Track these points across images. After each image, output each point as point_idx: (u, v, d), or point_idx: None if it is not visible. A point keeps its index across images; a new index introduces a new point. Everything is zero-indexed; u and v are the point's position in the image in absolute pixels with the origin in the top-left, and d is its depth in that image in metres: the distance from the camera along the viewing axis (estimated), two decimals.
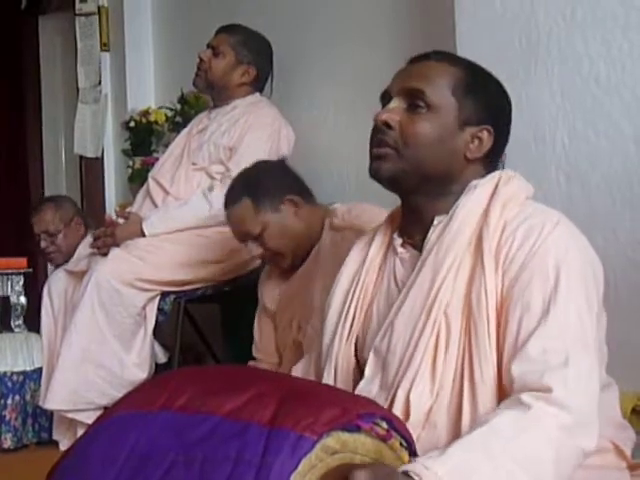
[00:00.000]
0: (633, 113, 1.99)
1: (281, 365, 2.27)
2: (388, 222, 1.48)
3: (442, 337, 1.26)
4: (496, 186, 1.33)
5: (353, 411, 1.05)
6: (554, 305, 1.20)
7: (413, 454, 1.11)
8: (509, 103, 1.42)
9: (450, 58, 1.39)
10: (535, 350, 1.18)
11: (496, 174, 1.36)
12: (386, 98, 1.38)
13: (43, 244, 3.19)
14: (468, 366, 1.24)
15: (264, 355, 2.36)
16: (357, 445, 1.04)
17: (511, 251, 1.26)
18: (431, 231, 1.34)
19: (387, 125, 1.33)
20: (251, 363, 2.38)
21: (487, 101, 1.37)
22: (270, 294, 2.34)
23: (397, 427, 1.09)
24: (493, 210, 1.30)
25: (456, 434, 1.20)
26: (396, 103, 1.35)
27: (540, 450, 1.11)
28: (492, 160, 1.39)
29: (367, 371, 1.34)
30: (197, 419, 1.05)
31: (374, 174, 1.36)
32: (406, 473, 1.03)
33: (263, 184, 2.19)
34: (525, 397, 1.14)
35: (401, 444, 1.09)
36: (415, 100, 1.33)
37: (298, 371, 1.58)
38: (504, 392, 1.20)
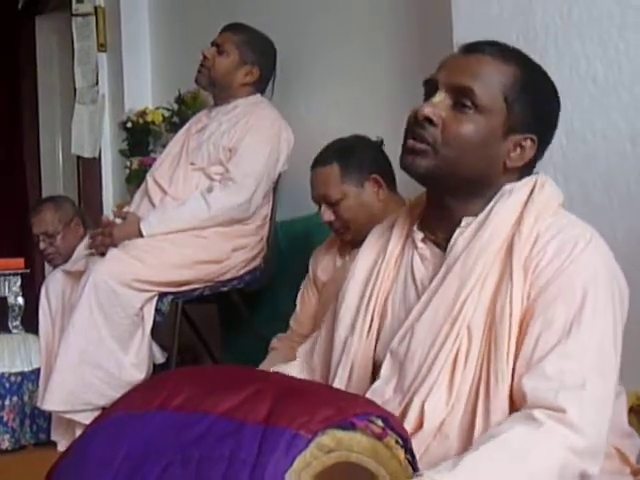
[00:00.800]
0: (630, 113, 1.99)
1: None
2: (407, 212, 1.42)
3: (463, 350, 1.23)
4: (531, 192, 1.29)
5: (348, 409, 1.05)
6: (577, 326, 1.18)
7: (409, 452, 1.11)
8: (559, 107, 1.36)
9: (505, 54, 1.29)
10: (552, 368, 1.16)
11: (531, 179, 1.31)
12: (430, 86, 1.31)
13: (42, 245, 3.19)
14: (485, 381, 1.21)
15: (300, 326, 2.39)
16: (352, 443, 1.04)
17: (540, 264, 1.22)
18: (458, 232, 1.29)
19: (429, 120, 1.26)
20: (279, 335, 2.40)
21: (537, 107, 1.30)
22: (325, 265, 2.37)
23: (393, 425, 1.09)
24: (527, 219, 1.25)
25: (467, 446, 1.18)
26: (441, 97, 1.27)
27: (548, 468, 1.10)
28: (530, 168, 1.34)
29: (383, 372, 1.31)
30: (193, 418, 1.05)
31: (406, 167, 1.29)
32: None
33: (355, 155, 2.24)
34: (537, 413, 1.13)
35: (397, 442, 1.09)
36: (462, 98, 1.26)
37: (302, 352, 1.55)
38: (514, 406, 1.19)
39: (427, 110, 1.26)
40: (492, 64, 1.27)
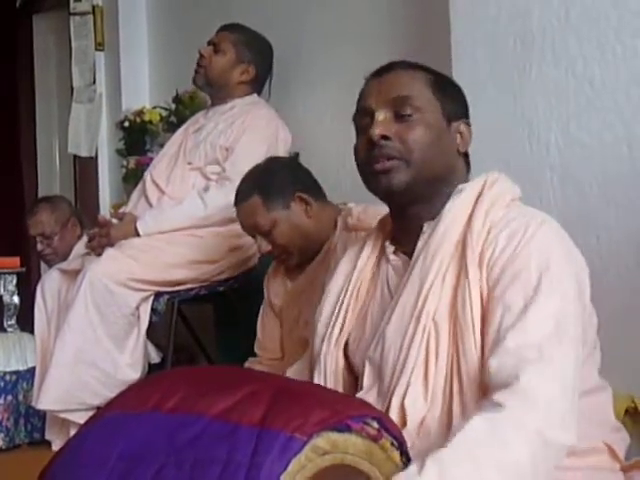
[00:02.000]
0: (627, 115, 1.99)
1: (284, 361, 2.27)
2: (379, 228, 1.49)
3: (432, 344, 1.27)
4: (481, 189, 1.34)
5: (344, 412, 1.05)
6: (534, 304, 1.21)
7: (404, 454, 1.11)
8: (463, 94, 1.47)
9: (411, 65, 1.42)
10: (511, 344, 1.19)
11: (482, 177, 1.37)
12: (364, 115, 1.39)
13: (40, 247, 3.18)
14: (457, 372, 1.24)
15: (266, 352, 2.36)
16: (347, 445, 1.04)
17: (494, 255, 1.26)
18: (421, 238, 1.35)
19: (385, 137, 1.33)
20: (250, 360, 2.38)
21: (458, 96, 1.43)
22: (277, 290, 2.34)
23: (388, 427, 1.09)
24: (477, 215, 1.31)
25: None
26: (383, 115, 1.35)
27: (515, 452, 1.10)
28: (467, 154, 1.43)
29: (365, 381, 1.35)
30: (188, 420, 1.05)
31: (385, 189, 1.35)
32: None
33: (273, 181, 2.19)
34: (498, 397, 1.14)
35: (392, 444, 1.09)
36: (402, 108, 1.35)
37: (292, 372, 1.58)
38: (484, 392, 1.20)
39: (379, 130, 1.34)
40: (409, 73, 1.39)
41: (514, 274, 1.24)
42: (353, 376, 1.43)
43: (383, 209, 2.15)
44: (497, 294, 1.24)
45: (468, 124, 1.42)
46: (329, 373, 1.41)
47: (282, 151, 2.89)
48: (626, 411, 1.86)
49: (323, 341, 1.43)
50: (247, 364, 2.39)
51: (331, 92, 3.09)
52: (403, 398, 1.25)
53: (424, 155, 1.33)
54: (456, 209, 1.33)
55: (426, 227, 1.35)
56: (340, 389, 1.39)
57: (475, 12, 2.27)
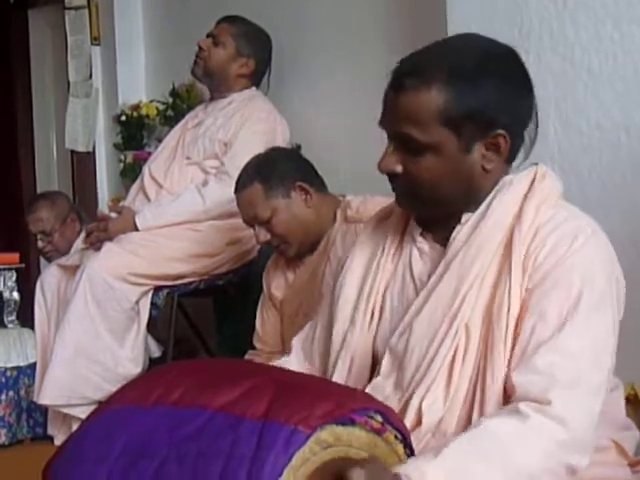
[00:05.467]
0: (625, 103, 1.99)
1: (285, 353, 2.27)
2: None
3: (460, 349, 1.22)
4: (532, 183, 1.26)
5: (347, 405, 1.05)
6: (571, 321, 1.16)
7: (408, 447, 1.11)
8: (517, 86, 1.27)
9: (424, 78, 1.22)
10: (543, 361, 1.15)
11: (532, 169, 1.28)
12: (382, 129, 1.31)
13: (40, 244, 3.18)
14: (481, 379, 1.20)
15: (265, 345, 2.36)
16: (351, 438, 1.04)
17: (539, 258, 1.20)
18: (458, 229, 1.27)
19: (392, 173, 1.27)
20: (250, 352, 2.37)
21: (485, 108, 1.21)
22: (277, 283, 2.33)
23: (392, 420, 1.09)
24: (527, 212, 1.23)
25: None
26: (392, 146, 1.27)
27: (533, 460, 1.10)
28: (513, 154, 1.30)
29: (383, 368, 1.30)
30: (190, 413, 1.04)
31: (401, 207, 1.34)
32: (399, 474, 1.03)
33: (275, 170, 2.19)
34: (523, 407, 1.12)
35: (396, 437, 1.09)
36: (407, 144, 1.24)
37: (299, 341, 1.54)
38: (505, 400, 1.18)
39: (383, 165, 1.27)
40: (417, 98, 1.21)
41: (555, 282, 1.18)
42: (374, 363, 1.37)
43: (382, 201, 2.14)
44: (534, 301, 1.19)
45: (504, 134, 1.23)
46: (357, 361, 1.34)
47: (280, 144, 2.88)
48: (626, 399, 1.86)
49: (351, 327, 1.35)
50: (247, 357, 2.39)
51: (329, 85, 3.09)
52: (423, 398, 1.22)
53: (431, 191, 1.25)
54: (505, 204, 1.24)
55: (465, 218, 1.27)
56: (367, 378, 1.34)
57: (472, 1, 2.26)
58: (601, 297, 1.19)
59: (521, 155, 1.32)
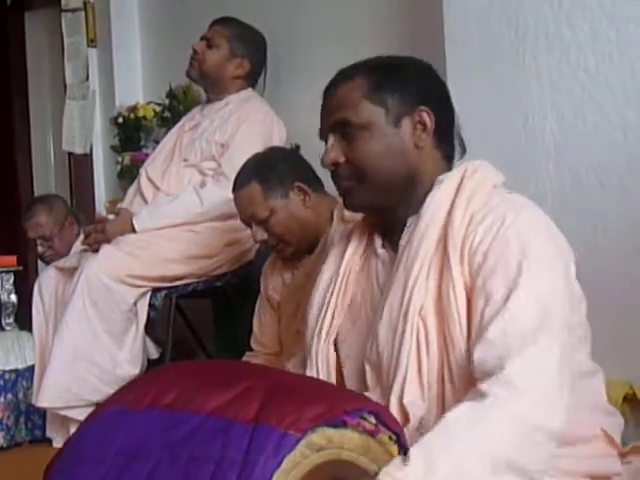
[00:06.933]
0: (621, 102, 1.99)
1: (282, 356, 2.27)
2: (366, 220, 1.47)
3: (422, 339, 1.26)
4: (462, 179, 1.32)
5: (339, 407, 1.04)
6: (516, 290, 1.20)
7: (403, 447, 1.11)
8: (434, 76, 1.41)
9: (347, 74, 1.39)
10: (494, 334, 1.18)
11: (462, 166, 1.35)
12: (322, 137, 1.41)
13: (40, 249, 3.18)
14: (447, 366, 1.24)
15: (262, 347, 2.35)
16: (343, 440, 1.03)
17: (474, 245, 1.25)
18: (404, 232, 1.34)
19: (335, 164, 1.36)
20: (248, 354, 2.37)
21: (407, 88, 1.35)
22: (274, 284, 2.33)
23: (386, 421, 1.09)
24: (458, 206, 1.29)
25: None
26: (331, 140, 1.37)
27: (498, 437, 1.10)
28: (444, 139, 1.38)
29: (368, 382, 1.34)
30: (183, 417, 1.05)
31: (348, 207, 1.41)
32: None
33: (274, 170, 2.19)
34: (482, 386, 1.14)
35: (390, 438, 1.09)
36: (345, 129, 1.35)
37: (292, 365, 1.57)
38: (473, 382, 1.19)
39: (326, 158, 1.37)
40: (343, 89, 1.37)
41: (494, 263, 1.22)
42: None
43: None
44: (479, 285, 1.23)
45: (428, 111, 1.34)
46: (321, 368, 1.40)
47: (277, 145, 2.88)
48: (624, 398, 1.87)
49: (313, 336, 1.42)
50: (244, 358, 2.39)
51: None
52: (401, 395, 1.25)
53: (375, 170, 1.33)
54: (436, 202, 1.31)
55: (409, 222, 1.34)
56: (333, 383, 1.38)
57: (468, 1, 2.27)
58: (539, 261, 1.22)
59: (459, 151, 1.41)
